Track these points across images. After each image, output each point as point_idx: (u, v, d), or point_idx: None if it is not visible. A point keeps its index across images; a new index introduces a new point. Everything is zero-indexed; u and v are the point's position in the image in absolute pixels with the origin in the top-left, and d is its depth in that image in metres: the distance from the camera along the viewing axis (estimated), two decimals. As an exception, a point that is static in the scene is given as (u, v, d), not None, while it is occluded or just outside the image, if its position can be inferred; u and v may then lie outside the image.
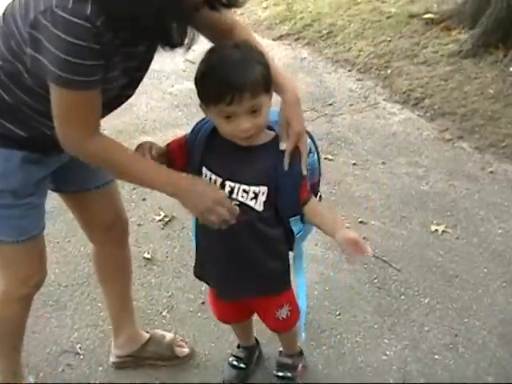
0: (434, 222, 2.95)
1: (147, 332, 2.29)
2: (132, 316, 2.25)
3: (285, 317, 1.88)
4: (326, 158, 3.39)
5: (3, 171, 1.67)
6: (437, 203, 3.09)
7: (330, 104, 3.92)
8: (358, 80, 4.15)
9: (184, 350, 2.29)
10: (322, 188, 1.87)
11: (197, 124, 1.69)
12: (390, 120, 3.76)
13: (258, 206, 1.62)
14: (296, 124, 1.60)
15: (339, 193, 3.14)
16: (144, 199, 3.17)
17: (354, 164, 3.37)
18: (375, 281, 2.62)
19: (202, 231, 1.74)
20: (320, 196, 1.81)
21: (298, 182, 1.61)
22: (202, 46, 1.57)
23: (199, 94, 1.54)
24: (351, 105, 3.91)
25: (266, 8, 5.14)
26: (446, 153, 3.47)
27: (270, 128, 1.64)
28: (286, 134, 1.60)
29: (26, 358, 2.25)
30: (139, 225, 2.99)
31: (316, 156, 1.73)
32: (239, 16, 5.10)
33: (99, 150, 1.56)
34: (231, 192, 1.61)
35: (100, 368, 2.27)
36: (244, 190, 1.60)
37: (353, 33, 4.63)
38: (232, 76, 1.44)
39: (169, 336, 2.28)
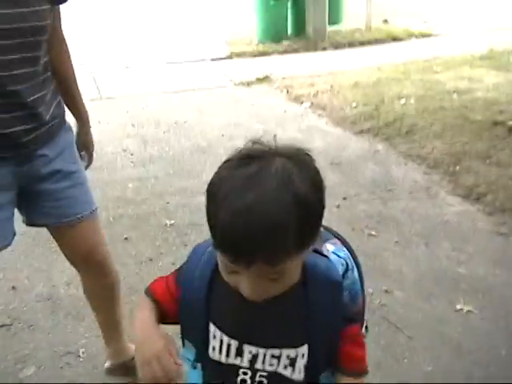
0: (462, 301, 2.91)
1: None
2: (119, 334, 2.39)
3: None
4: (369, 234, 3.48)
5: None
6: (471, 286, 3.05)
7: (390, 190, 4.04)
8: (425, 173, 4.25)
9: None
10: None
11: (193, 252, 1.25)
12: (445, 209, 3.80)
13: (298, 373, 1.17)
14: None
15: (371, 264, 3.20)
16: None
17: (396, 242, 3.43)
18: (382, 342, 2.63)
19: None
20: (366, 327, 1.34)
21: (339, 327, 1.17)
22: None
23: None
24: (411, 192, 4.00)
25: (355, 107, 5.44)
26: (496, 244, 3.43)
27: None
28: None
29: (35, 351, 2.52)
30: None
31: (356, 273, 1.28)
32: (330, 110, 5.46)
33: None
34: (253, 361, 1.17)
35: (95, 370, 2.47)
36: (273, 356, 1.16)
37: (432, 133, 4.77)
38: (235, 225, 0.95)
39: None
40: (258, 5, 7.79)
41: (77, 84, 2.06)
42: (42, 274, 3.00)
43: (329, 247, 1.26)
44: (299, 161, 1.03)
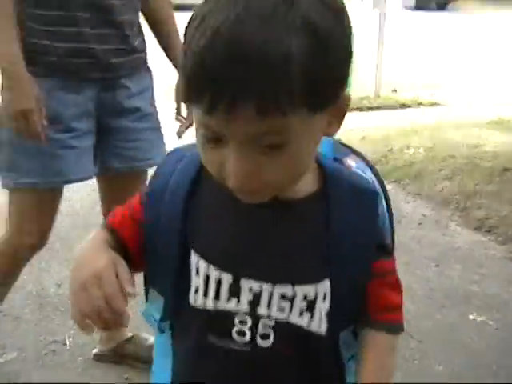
0: (475, 313, 2.76)
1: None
2: None
3: None
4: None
5: None
6: (484, 302, 2.90)
7: (399, 221, 3.92)
8: (434, 210, 4.15)
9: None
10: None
11: (168, 156, 0.93)
12: (456, 238, 3.67)
13: (318, 323, 0.84)
14: None
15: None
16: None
17: (406, 263, 3.29)
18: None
19: (193, 362, 0.89)
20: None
21: (370, 258, 0.87)
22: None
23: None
24: (420, 223, 3.89)
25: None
26: (510, 269, 3.28)
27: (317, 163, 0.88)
28: None
29: (19, 339, 2.37)
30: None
31: (384, 204, 0.96)
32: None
33: None
34: (255, 303, 0.84)
35: (80, 358, 2.31)
36: (283, 296, 0.83)
37: (441, 177, 4.70)
38: (215, 44, 0.67)
39: (151, 340, 2.28)
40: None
41: (176, 27, 2.03)
42: (32, 276, 2.87)
43: (350, 162, 0.95)
44: None
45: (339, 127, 0.81)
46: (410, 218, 3.97)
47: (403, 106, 7.76)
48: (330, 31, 0.70)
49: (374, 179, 0.98)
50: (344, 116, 0.81)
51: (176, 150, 0.94)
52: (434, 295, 2.95)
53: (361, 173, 0.94)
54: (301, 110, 0.69)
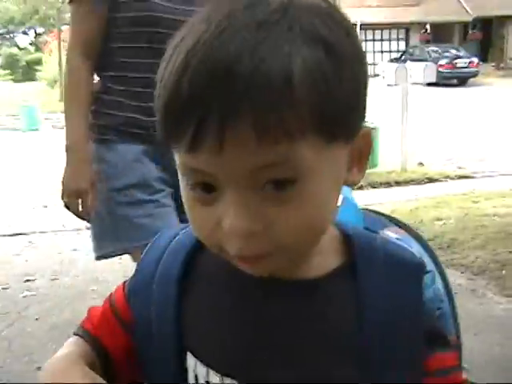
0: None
1: None
2: None
3: None
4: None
5: (123, 166, 1.79)
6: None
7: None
8: (469, 279, 4.12)
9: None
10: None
11: (154, 242, 0.78)
12: (493, 306, 3.64)
13: None
14: None
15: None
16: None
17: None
18: None
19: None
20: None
21: (419, 352, 0.66)
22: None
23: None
24: (456, 293, 3.85)
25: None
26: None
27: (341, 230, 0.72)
28: None
29: None
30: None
31: (441, 284, 0.84)
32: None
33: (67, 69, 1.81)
34: None
35: None
36: None
37: (473, 246, 4.69)
38: (207, 62, 0.54)
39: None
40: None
41: None
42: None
43: (389, 233, 0.79)
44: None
45: (362, 175, 0.66)
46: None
47: (431, 180, 7.83)
48: (341, 45, 0.58)
49: (426, 255, 0.80)
50: (366, 160, 0.66)
51: (164, 233, 0.78)
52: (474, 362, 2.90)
53: (404, 245, 0.75)
54: (311, 135, 0.56)
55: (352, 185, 0.67)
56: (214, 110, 0.53)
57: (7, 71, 38.70)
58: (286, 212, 0.58)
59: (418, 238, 0.83)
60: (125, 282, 0.78)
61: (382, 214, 0.85)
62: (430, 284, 0.75)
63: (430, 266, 0.78)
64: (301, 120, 0.55)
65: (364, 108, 0.63)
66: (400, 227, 0.83)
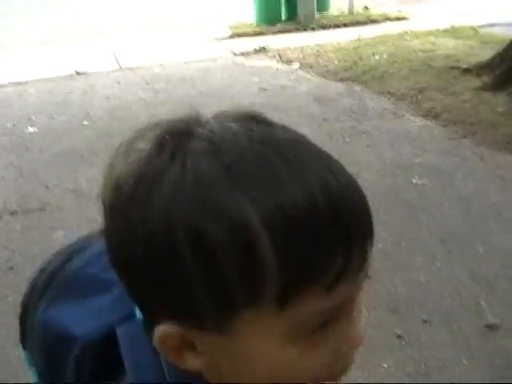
0: (417, 177, 3.33)
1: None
2: None
3: None
4: (344, 141, 3.91)
5: None
6: (424, 167, 3.46)
7: (364, 114, 4.46)
8: (393, 104, 4.66)
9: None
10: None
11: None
12: (408, 124, 4.21)
13: None
14: None
15: (343, 161, 3.62)
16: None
17: (367, 146, 3.83)
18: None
19: None
20: None
21: None
22: None
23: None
24: (381, 116, 4.42)
25: (337, 63, 5.88)
26: (449, 145, 3.83)
27: None
28: None
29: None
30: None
31: None
32: (316, 67, 5.86)
33: None
34: None
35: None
36: None
37: (399, 76, 5.18)
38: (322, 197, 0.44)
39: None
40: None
41: None
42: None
43: None
44: None
45: None
46: (373, 112, 4.49)
47: (373, 21, 8.10)
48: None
49: None
50: None
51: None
52: (387, 167, 3.52)
53: None
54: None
55: None
56: (361, 235, 0.47)
57: None
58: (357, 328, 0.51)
59: None
60: None
61: None
62: None
63: None
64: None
65: None
66: None
